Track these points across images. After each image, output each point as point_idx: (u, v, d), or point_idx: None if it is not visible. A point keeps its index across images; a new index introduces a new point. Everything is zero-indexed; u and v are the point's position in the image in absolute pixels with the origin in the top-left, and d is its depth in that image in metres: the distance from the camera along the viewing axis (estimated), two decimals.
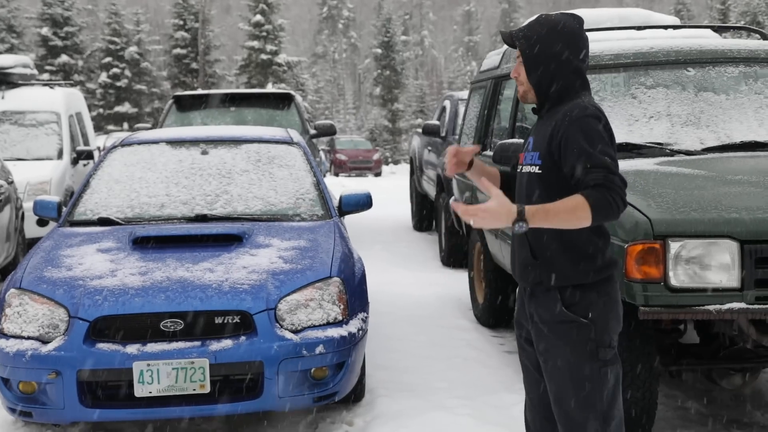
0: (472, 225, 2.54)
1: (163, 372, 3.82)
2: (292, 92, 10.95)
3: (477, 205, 2.49)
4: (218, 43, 42.47)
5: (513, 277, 2.96)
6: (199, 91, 11.80)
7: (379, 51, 56.14)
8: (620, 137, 4.19)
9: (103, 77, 39.56)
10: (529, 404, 3.00)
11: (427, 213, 11.85)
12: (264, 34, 40.44)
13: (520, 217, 2.47)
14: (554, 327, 2.73)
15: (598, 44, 4.92)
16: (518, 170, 2.90)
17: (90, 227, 4.91)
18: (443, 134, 10.44)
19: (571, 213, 2.50)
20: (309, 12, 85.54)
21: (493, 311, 6.25)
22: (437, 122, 10.89)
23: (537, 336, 2.81)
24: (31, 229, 8.74)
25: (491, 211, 2.47)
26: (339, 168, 34.44)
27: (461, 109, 9.87)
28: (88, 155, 10.59)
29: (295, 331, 4.01)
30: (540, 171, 2.71)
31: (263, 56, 40.27)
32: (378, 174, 34.53)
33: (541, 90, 2.76)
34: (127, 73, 39.90)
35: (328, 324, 4.10)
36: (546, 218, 2.50)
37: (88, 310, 3.92)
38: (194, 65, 39.65)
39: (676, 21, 6.16)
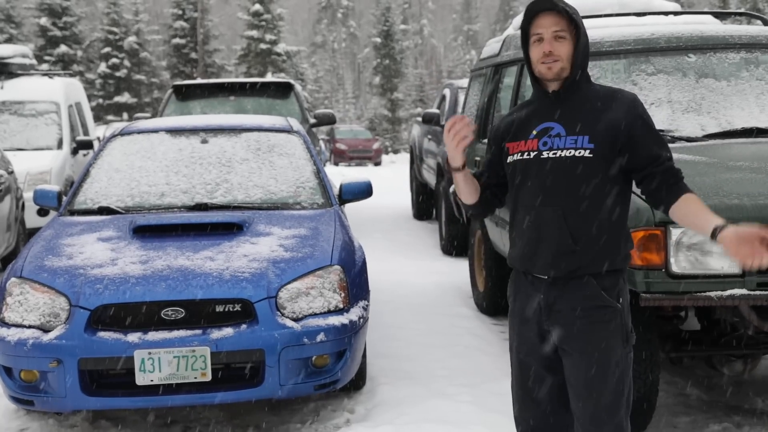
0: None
1: (164, 360, 3.82)
2: (292, 81, 10.93)
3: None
4: (217, 33, 42.38)
5: (524, 268, 2.77)
6: (199, 81, 11.78)
7: (379, 40, 56.01)
8: None
9: (103, 67, 39.44)
10: (528, 404, 2.86)
11: (427, 201, 11.84)
12: (263, 23, 40.35)
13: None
14: (590, 312, 2.68)
15: (599, 31, 4.90)
16: (522, 157, 2.73)
17: (90, 216, 4.91)
18: (443, 123, 10.43)
19: None
20: (308, 1, 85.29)
21: (494, 299, 6.25)
22: (437, 111, 10.89)
23: (564, 325, 2.70)
24: (32, 219, 8.75)
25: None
26: (339, 157, 34.37)
27: (461, 98, 9.85)
28: (88, 145, 10.58)
29: (296, 319, 4.01)
30: (592, 155, 2.64)
31: (262, 46, 40.18)
32: (378, 163, 34.47)
33: (577, 67, 2.69)
34: (127, 63, 39.79)
35: (329, 312, 4.10)
36: None
37: (89, 299, 3.92)
38: (193, 55, 39.58)
39: (676, 7, 6.13)
